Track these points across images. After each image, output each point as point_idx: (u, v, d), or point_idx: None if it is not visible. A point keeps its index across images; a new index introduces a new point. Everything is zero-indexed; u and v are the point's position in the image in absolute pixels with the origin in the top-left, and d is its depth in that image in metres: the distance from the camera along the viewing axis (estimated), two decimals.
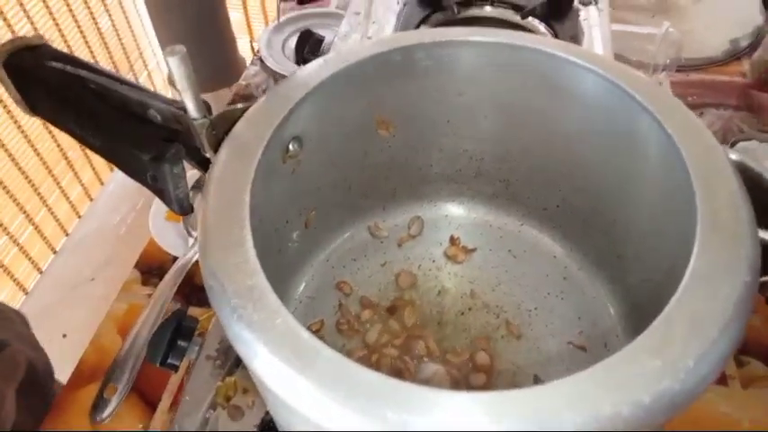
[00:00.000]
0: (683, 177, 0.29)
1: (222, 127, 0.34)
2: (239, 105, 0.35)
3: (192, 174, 0.35)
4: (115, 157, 0.36)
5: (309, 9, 0.90)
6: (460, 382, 0.42)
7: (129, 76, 1.67)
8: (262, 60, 0.83)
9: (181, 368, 0.50)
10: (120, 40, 1.60)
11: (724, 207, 0.27)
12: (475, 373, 0.42)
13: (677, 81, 0.81)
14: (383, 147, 0.44)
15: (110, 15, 1.53)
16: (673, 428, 0.47)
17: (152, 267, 0.64)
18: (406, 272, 0.47)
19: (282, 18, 0.88)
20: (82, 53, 1.47)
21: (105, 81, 0.35)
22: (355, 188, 0.46)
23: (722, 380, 0.52)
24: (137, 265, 0.63)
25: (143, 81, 1.73)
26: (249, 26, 1.74)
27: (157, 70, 1.79)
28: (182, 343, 0.47)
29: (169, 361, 0.47)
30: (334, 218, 0.46)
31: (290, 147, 0.38)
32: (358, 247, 0.48)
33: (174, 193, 0.35)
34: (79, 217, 1.54)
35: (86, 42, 1.47)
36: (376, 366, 0.42)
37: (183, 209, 0.36)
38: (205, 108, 0.34)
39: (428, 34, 0.39)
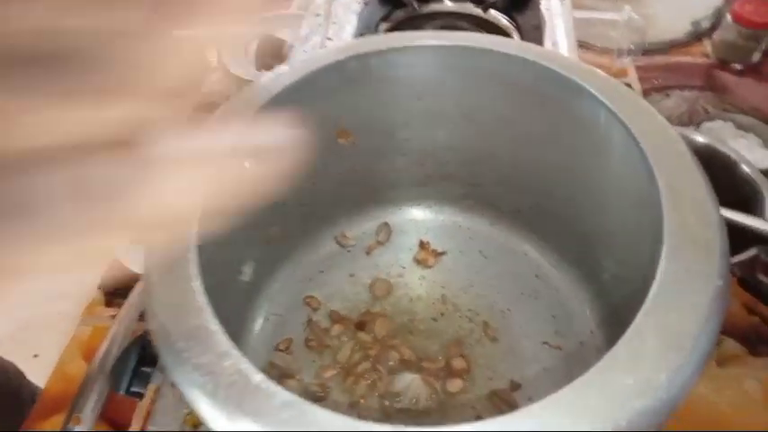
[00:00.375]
0: (646, 176, 0.28)
1: None
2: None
3: None
4: None
5: (269, 12, 0.87)
6: (438, 389, 0.41)
7: None
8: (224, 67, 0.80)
9: (148, 394, 0.49)
10: None
11: (691, 211, 0.26)
12: (451, 379, 0.41)
13: (642, 65, 0.80)
14: (344, 155, 0.43)
15: None
16: None
17: (117, 288, 0.61)
18: (382, 280, 0.46)
19: None
20: None
21: None
22: (318, 200, 0.44)
23: None
24: (100, 286, 0.61)
25: None
26: None
27: None
28: (146, 369, 0.45)
29: (132, 389, 0.45)
30: (297, 231, 0.45)
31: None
32: (325, 258, 0.47)
33: None
34: None
35: None
36: (352, 383, 0.40)
37: None
38: None
39: (383, 40, 0.37)
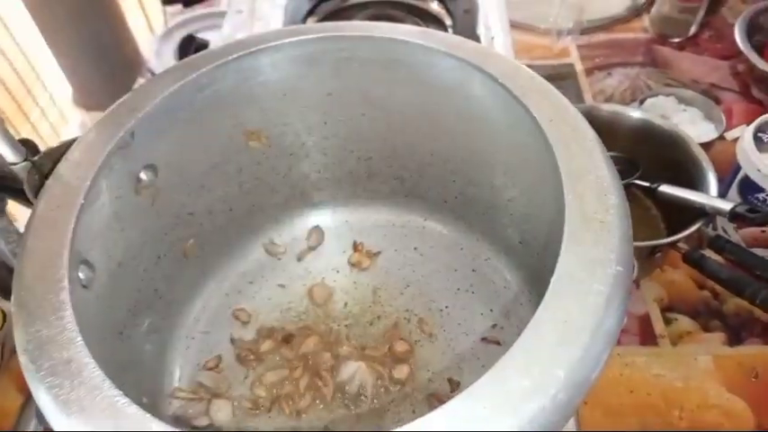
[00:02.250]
0: (551, 163, 0.27)
1: (47, 167, 0.30)
2: (65, 140, 0.30)
3: None
4: None
5: (198, 11, 0.84)
6: (384, 376, 0.39)
7: (30, 103, 1.56)
8: (152, 73, 0.77)
9: None
10: (11, 65, 1.49)
11: (591, 195, 0.25)
12: (399, 365, 0.39)
13: (583, 44, 0.80)
14: (259, 159, 0.41)
15: None
16: (608, 398, 0.47)
17: None
18: (320, 285, 0.44)
19: (170, 23, 0.83)
20: None
21: None
22: (238, 207, 0.42)
23: (652, 340, 0.51)
24: None
25: (45, 104, 1.62)
26: (152, 30, 1.65)
27: (61, 89, 1.68)
28: None
29: None
30: (219, 242, 0.43)
31: (142, 176, 0.34)
32: (253, 268, 0.45)
33: (7, 248, 0.31)
34: None
35: None
36: (286, 397, 0.39)
37: None
38: (26, 149, 0.30)
39: (281, 33, 0.36)
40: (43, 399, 0.22)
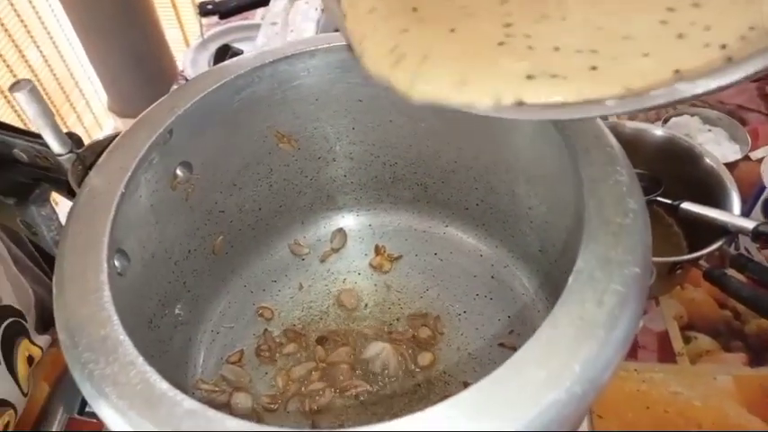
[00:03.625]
0: (572, 170, 0.28)
1: (91, 159, 0.32)
2: (108, 135, 0.32)
3: None
4: None
5: (233, 23, 0.87)
6: (408, 360, 0.40)
7: (67, 108, 1.61)
8: (187, 81, 0.80)
9: None
10: (52, 72, 1.55)
11: (610, 199, 0.25)
12: (423, 352, 0.40)
13: None
14: (289, 161, 0.42)
15: (39, 48, 1.48)
16: (624, 414, 0.47)
17: None
18: (347, 291, 0.45)
19: (206, 34, 0.86)
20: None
21: None
22: (266, 207, 0.44)
23: (671, 357, 0.51)
24: None
25: (81, 110, 1.68)
26: (187, 42, 1.70)
27: (95, 97, 1.74)
28: None
29: (87, 409, 0.45)
30: (246, 240, 0.44)
31: (178, 173, 0.35)
32: (278, 267, 0.46)
33: (48, 235, 0.32)
34: None
35: (15, 77, 1.42)
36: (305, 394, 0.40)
37: None
38: (71, 142, 0.31)
39: (317, 39, 0.37)
40: (79, 373, 0.23)
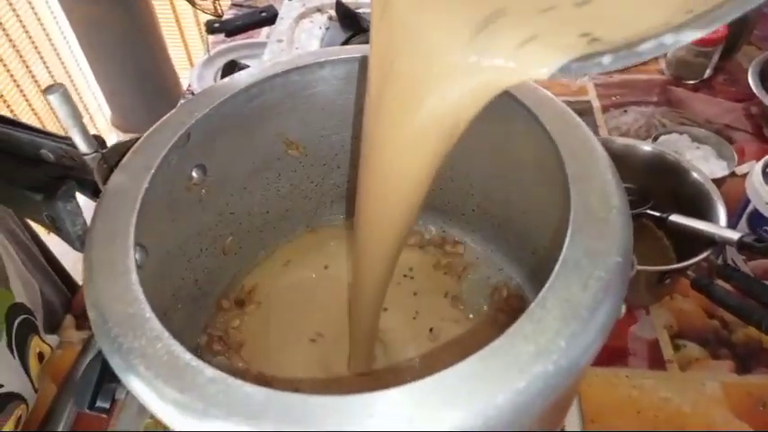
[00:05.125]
0: (561, 173, 0.30)
1: (114, 159, 0.34)
2: (132, 136, 0.35)
3: None
4: (11, 202, 0.36)
5: (239, 41, 0.90)
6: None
7: None
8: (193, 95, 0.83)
9: (116, 409, 0.49)
10: None
11: (595, 197, 0.28)
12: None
13: (601, 83, 0.84)
14: (296, 167, 0.45)
15: (46, 65, 1.51)
16: (616, 419, 0.48)
17: (86, 311, 0.62)
18: None
19: (213, 51, 0.89)
20: (19, 103, 1.45)
21: None
22: (274, 210, 0.46)
23: (661, 365, 0.53)
24: (71, 310, 0.62)
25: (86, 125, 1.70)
26: (191, 61, 1.75)
27: (99, 113, 1.77)
28: (110, 384, 0.45)
29: (98, 404, 0.46)
30: (254, 242, 0.46)
31: (193, 175, 0.38)
32: None
33: (72, 230, 0.34)
34: None
35: (21, 92, 1.45)
36: None
37: (84, 246, 0.35)
38: (96, 143, 0.34)
39: (327, 52, 0.40)
40: (108, 346, 0.25)
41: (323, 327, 0.44)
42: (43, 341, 0.52)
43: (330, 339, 0.43)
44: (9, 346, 0.45)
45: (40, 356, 0.51)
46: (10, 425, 0.46)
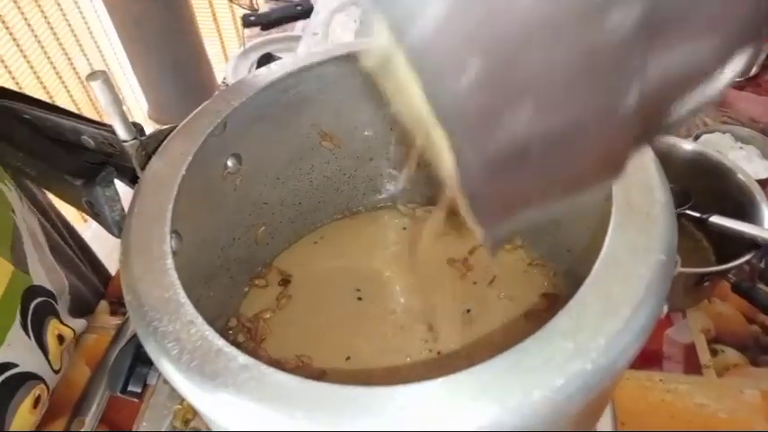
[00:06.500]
0: None
1: (153, 146, 0.34)
2: (170, 125, 0.35)
3: None
4: (51, 186, 0.37)
5: (274, 34, 0.91)
6: None
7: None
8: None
9: (147, 394, 0.50)
10: None
11: (638, 191, 0.27)
12: None
13: None
14: (329, 159, 0.45)
15: (87, 58, 1.55)
16: (648, 423, 0.47)
17: (120, 297, 0.63)
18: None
19: (248, 44, 0.90)
20: (61, 94, 1.49)
21: (39, 112, 0.36)
22: (306, 202, 0.46)
23: (697, 369, 0.51)
24: (105, 296, 0.63)
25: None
26: (226, 55, 1.77)
27: (136, 106, 1.81)
28: (142, 369, 0.46)
29: (129, 388, 0.47)
30: (286, 232, 0.46)
31: (229, 164, 0.38)
32: None
33: (110, 215, 0.35)
34: None
35: (63, 83, 1.49)
36: None
37: (121, 231, 0.36)
38: (135, 130, 0.34)
39: (361, 44, 0.40)
40: (144, 329, 0.25)
41: (353, 316, 0.44)
42: (64, 324, 0.53)
43: (360, 330, 0.43)
44: (24, 327, 0.46)
45: (60, 338, 0.52)
46: (28, 404, 0.47)
